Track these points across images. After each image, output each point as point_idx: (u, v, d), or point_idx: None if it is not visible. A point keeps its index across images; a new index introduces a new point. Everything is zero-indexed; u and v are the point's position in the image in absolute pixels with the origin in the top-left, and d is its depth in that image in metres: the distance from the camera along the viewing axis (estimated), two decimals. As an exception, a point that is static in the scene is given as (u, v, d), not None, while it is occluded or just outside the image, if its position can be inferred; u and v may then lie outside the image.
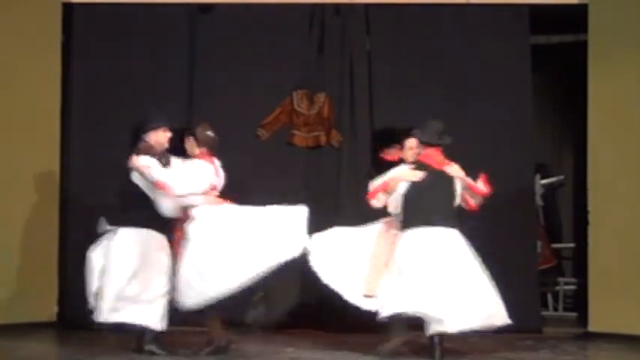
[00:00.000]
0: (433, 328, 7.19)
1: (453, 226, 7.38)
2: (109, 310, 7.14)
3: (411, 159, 7.68)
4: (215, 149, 7.53)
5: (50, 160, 9.04)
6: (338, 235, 7.69)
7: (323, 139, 9.27)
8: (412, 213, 7.40)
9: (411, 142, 7.72)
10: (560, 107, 10.89)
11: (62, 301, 9.01)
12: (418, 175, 7.45)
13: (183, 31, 9.37)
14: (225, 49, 9.29)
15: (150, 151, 7.28)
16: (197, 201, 7.30)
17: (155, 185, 7.16)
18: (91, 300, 7.25)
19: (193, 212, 7.27)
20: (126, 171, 7.27)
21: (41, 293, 8.85)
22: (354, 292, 7.47)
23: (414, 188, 7.43)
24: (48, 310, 8.93)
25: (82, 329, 8.26)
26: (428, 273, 7.19)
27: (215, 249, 7.17)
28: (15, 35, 8.85)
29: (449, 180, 7.49)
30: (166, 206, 7.25)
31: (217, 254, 7.16)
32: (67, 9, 9.24)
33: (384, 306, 7.28)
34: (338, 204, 9.16)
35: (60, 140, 9.15)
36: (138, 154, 7.25)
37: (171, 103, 8.95)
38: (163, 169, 7.24)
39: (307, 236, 7.36)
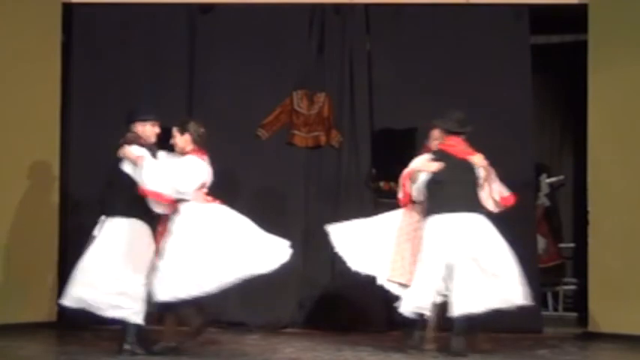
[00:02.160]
0: (458, 309, 7.25)
1: (477, 212, 7.45)
2: (108, 306, 7.12)
3: (435, 149, 7.74)
4: (204, 145, 7.44)
5: (50, 160, 9.02)
6: (359, 224, 7.84)
7: (323, 139, 9.27)
8: (435, 201, 7.48)
9: (435, 133, 7.77)
10: (560, 107, 10.89)
11: (62, 301, 9.01)
12: (434, 167, 7.52)
13: (183, 31, 9.37)
14: (225, 49, 9.28)
15: (138, 141, 7.24)
16: (187, 196, 7.19)
17: (144, 192, 7.07)
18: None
19: (181, 207, 7.19)
20: (116, 161, 7.22)
21: (41, 293, 8.84)
22: (383, 276, 7.64)
23: (436, 177, 7.50)
24: (48, 310, 8.92)
25: (82, 329, 8.25)
26: (453, 258, 7.29)
27: (197, 247, 7.05)
28: (15, 35, 8.84)
29: (471, 168, 7.53)
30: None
31: (199, 253, 7.03)
32: (67, 9, 9.24)
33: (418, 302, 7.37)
34: (338, 204, 9.16)
35: (60, 140, 9.14)
36: (127, 143, 7.21)
37: (171, 103, 8.94)
38: (155, 160, 7.18)
39: (289, 250, 7.12)
